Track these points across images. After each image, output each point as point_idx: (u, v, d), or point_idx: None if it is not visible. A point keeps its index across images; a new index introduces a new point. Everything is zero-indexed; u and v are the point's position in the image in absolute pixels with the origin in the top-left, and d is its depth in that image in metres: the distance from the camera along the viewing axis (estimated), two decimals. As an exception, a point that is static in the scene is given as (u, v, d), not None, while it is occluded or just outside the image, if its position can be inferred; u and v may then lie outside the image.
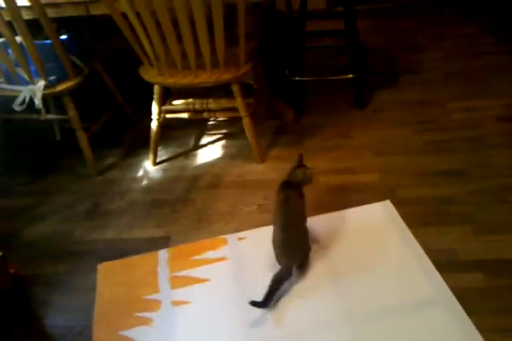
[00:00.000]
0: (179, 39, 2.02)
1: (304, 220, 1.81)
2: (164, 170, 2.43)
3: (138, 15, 1.98)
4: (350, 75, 2.61)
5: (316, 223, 1.91)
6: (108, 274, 1.89)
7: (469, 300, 1.59)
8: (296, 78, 2.65)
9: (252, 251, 1.90)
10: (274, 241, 1.78)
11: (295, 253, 1.76)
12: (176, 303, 1.74)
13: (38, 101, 2.18)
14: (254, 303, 1.62)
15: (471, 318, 1.54)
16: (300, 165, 1.83)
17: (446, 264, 1.73)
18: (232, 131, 2.65)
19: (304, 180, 1.81)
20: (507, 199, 1.97)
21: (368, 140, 2.42)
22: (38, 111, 2.28)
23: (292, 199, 1.77)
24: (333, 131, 2.53)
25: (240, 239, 1.97)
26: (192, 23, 1.96)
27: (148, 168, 2.45)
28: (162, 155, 2.52)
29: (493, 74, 2.76)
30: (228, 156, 2.47)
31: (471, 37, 3.17)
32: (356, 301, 1.65)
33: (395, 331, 1.54)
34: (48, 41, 2.14)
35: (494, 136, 2.32)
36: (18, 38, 2.06)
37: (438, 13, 3.55)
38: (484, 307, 1.58)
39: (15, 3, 1.94)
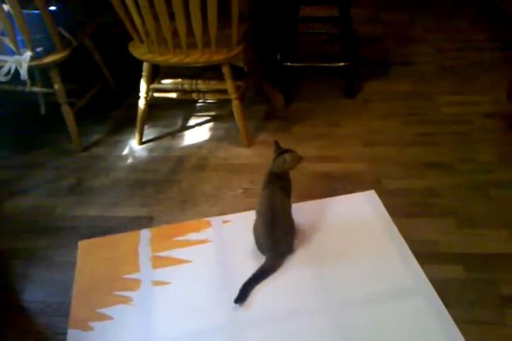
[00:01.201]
0: (171, 17, 1.98)
1: (289, 213, 1.78)
2: (150, 149, 2.41)
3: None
4: (342, 63, 2.60)
5: (299, 210, 1.91)
6: (89, 251, 1.87)
7: (448, 292, 1.62)
8: (288, 64, 2.63)
9: (235, 234, 1.90)
10: (255, 230, 1.78)
11: (280, 246, 1.76)
12: (156, 283, 1.73)
13: (23, 73, 2.13)
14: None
15: (448, 310, 1.56)
16: (281, 151, 1.77)
17: (426, 256, 1.75)
18: (220, 114, 2.62)
19: (287, 166, 1.77)
20: (490, 195, 1.99)
21: (357, 129, 2.42)
22: (23, 83, 2.23)
23: (277, 194, 1.73)
24: (322, 118, 2.52)
25: (225, 222, 1.96)
26: (185, 1, 1.93)
27: (134, 147, 2.42)
28: (148, 134, 2.49)
29: (484, 70, 2.77)
30: (215, 139, 2.45)
31: (464, 31, 3.18)
32: (335, 289, 1.66)
33: (371, 319, 1.56)
34: (37, 11, 2.07)
35: (481, 132, 2.34)
36: (6, 7, 2.00)
37: (433, 6, 3.55)
38: (462, 299, 1.60)
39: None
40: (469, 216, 1.90)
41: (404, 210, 1.95)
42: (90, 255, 1.85)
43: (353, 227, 1.90)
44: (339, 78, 2.71)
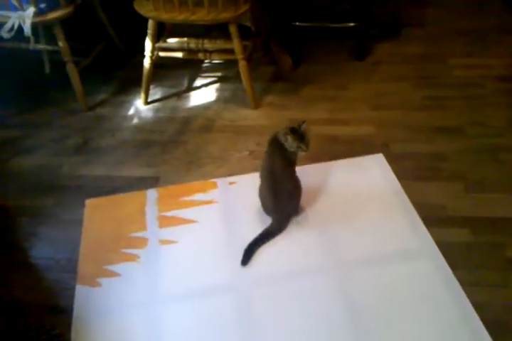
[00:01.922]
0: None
1: (292, 176, 1.72)
2: (156, 109, 2.38)
3: None
4: (352, 24, 2.53)
5: (306, 172, 1.89)
6: (96, 210, 1.87)
7: (454, 255, 1.62)
8: (296, 23, 2.56)
9: (241, 195, 1.89)
10: (260, 192, 1.77)
11: (286, 208, 1.75)
12: (163, 242, 1.74)
13: (27, 29, 2.08)
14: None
15: (454, 272, 1.57)
16: (298, 135, 1.62)
17: (434, 219, 1.74)
18: (227, 74, 2.58)
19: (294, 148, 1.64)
20: (500, 159, 1.97)
21: (366, 92, 2.38)
22: (27, 40, 2.19)
23: (276, 159, 1.65)
24: (330, 81, 2.48)
25: (231, 183, 1.96)
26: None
27: (140, 107, 2.39)
28: (154, 94, 2.46)
29: (497, 34, 2.69)
30: (222, 100, 2.42)
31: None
32: (341, 250, 1.67)
33: (377, 280, 1.57)
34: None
35: (492, 96, 2.29)
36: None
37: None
38: (468, 262, 1.61)
39: None
40: (478, 180, 1.89)
41: (412, 174, 1.93)
42: (97, 214, 1.86)
43: (360, 190, 1.89)
44: (349, 40, 2.65)
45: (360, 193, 1.88)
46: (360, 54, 2.59)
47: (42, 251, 1.75)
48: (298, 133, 1.62)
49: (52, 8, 2.12)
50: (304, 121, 1.64)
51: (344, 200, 1.85)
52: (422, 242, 1.67)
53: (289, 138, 1.61)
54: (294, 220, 1.78)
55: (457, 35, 2.71)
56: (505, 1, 2.97)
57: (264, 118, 2.29)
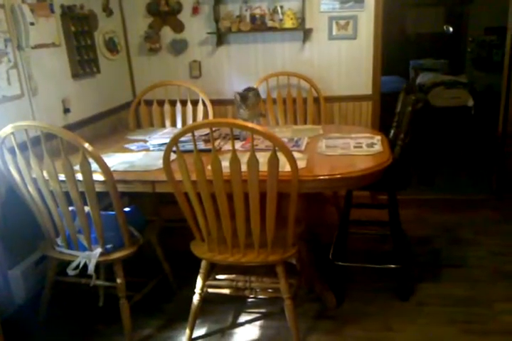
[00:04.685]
0: (232, 218, 2.15)
1: None
2: (199, 348, 2.38)
3: (198, 194, 2.15)
4: (393, 266, 2.64)
5: None
6: None
7: None
8: (339, 263, 2.69)
9: None
10: None
11: None
12: None
13: (91, 267, 2.27)
14: None
15: None
16: None
17: None
18: (271, 311, 2.61)
19: None
20: None
21: (413, 336, 2.34)
22: (88, 276, 2.35)
23: None
24: (374, 320, 2.47)
25: None
26: (246, 204, 2.10)
27: (184, 345, 2.40)
28: (199, 329, 2.48)
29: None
30: (265, 338, 2.40)
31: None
32: None
33: None
34: (112, 213, 2.29)
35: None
36: (87, 208, 2.24)
37: (482, 209, 3.68)
38: None
39: (91, 177, 2.16)
40: None
41: None
42: None
43: None
44: (391, 279, 2.72)
45: None
46: (403, 294, 2.63)
47: None
48: None
49: (117, 248, 2.34)
50: None
51: None
52: None
53: None
54: None
55: (500, 276, 2.76)
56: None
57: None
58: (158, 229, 2.64)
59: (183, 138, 2.19)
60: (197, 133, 2.30)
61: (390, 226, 2.73)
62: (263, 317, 2.58)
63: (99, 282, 2.46)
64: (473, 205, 3.75)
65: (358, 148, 2.55)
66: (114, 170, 2.31)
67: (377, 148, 2.54)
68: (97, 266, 2.38)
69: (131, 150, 2.78)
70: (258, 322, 2.53)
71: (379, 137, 2.75)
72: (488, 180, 4.06)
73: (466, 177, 4.39)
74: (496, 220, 3.49)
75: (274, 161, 2.00)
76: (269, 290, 2.40)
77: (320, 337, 2.38)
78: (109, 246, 2.32)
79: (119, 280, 2.34)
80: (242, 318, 2.58)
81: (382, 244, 3.11)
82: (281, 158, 2.00)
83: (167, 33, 3.82)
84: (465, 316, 2.45)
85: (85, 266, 2.30)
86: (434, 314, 2.48)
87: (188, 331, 2.41)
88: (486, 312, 2.47)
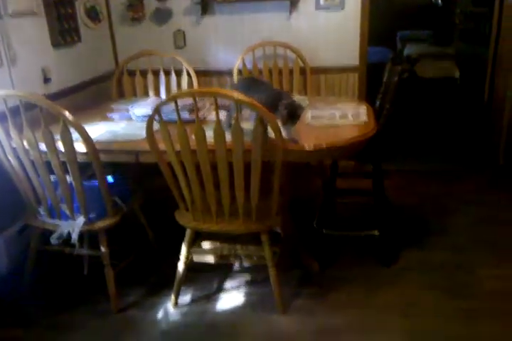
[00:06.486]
0: (216, 187, 2.16)
1: None
2: (184, 313, 2.40)
3: (181, 164, 2.14)
4: (376, 232, 2.67)
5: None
6: None
7: None
8: (324, 231, 2.72)
9: None
10: None
11: None
12: None
13: (74, 236, 2.28)
14: None
15: None
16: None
17: None
18: (255, 278, 2.65)
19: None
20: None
21: (395, 300, 2.39)
22: (72, 245, 2.37)
23: None
24: (357, 286, 2.52)
25: None
26: (231, 172, 2.11)
27: (169, 310, 2.42)
28: (184, 296, 2.51)
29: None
30: (249, 304, 2.44)
31: (499, 204, 3.27)
32: None
33: None
34: (95, 183, 2.28)
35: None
36: (69, 178, 2.23)
37: (467, 179, 3.72)
38: None
39: (72, 147, 2.14)
40: None
41: None
42: None
43: None
44: (374, 246, 2.76)
45: None
46: (385, 260, 2.68)
47: None
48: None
49: (100, 217, 2.35)
50: None
51: None
52: None
53: None
54: None
55: (482, 244, 2.80)
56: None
57: (293, 325, 2.28)
58: (142, 199, 2.65)
59: (166, 108, 2.18)
60: (181, 102, 2.29)
61: (373, 195, 2.76)
62: (248, 284, 2.61)
63: (83, 251, 2.47)
64: (459, 176, 3.78)
65: (343, 119, 2.55)
66: (97, 141, 2.28)
67: (363, 118, 2.54)
68: (81, 235, 2.39)
69: (114, 120, 2.75)
70: (243, 289, 2.57)
71: (364, 107, 2.75)
72: (473, 150, 4.10)
73: (452, 148, 4.41)
74: (481, 190, 3.53)
75: (258, 129, 1.99)
76: (254, 258, 2.43)
77: (304, 302, 2.42)
78: (92, 215, 2.32)
79: (103, 250, 2.35)
80: (227, 285, 2.61)
81: (366, 213, 3.15)
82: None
83: (151, 2, 3.75)
84: (447, 281, 2.49)
85: (70, 235, 2.30)
86: (416, 279, 2.53)
87: (173, 297, 2.44)
88: (469, 278, 2.51)
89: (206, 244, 2.53)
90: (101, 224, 2.33)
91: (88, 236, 2.61)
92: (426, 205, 3.33)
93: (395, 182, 3.50)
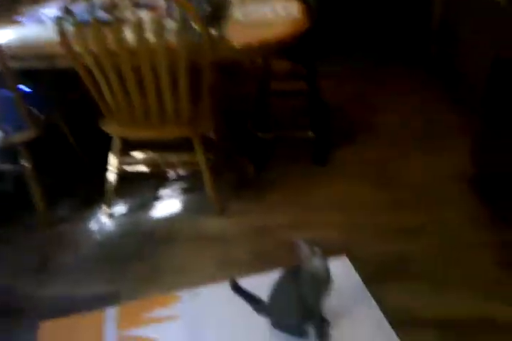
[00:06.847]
0: (142, 92, 2.05)
1: None
2: (119, 223, 2.37)
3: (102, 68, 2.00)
4: (310, 133, 2.66)
5: (263, 281, 1.84)
6: (51, 333, 1.77)
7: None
8: (259, 134, 2.69)
9: (208, 308, 1.82)
10: None
11: None
12: (122, 365, 1.63)
13: (-8, 151, 2.15)
14: None
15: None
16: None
17: (401, 322, 1.68)
18: (191, 184, 2.61)
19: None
20: (462, 257, 1.98)
21: (328, 196, 2.44)
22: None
23: None
24: (293, 186, 2.54)
25: (196, 295, 1.89)
26: (156, 77, 1.99)
27: (103, 221, 2.39)
28: (117, 207, 2.47)
29: (449, 137, 2.83)
30: (187, 210, 2.44)
31: (426, 100, 3.31)
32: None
33: None
34: (6, 92, 2.11)
35: (449, 195, 2.37)
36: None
37: (400, 78, 3.70)
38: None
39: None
40: (442, 279, 1.88)
41: (377, 276, 1.91)
42: (52, 337, 1.76)
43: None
44: (309, 148, 2.77)
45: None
46: (321, 160, 2.70)
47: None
48: None
49: (18, 130, 2.20)
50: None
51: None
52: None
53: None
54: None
55: (409, 139, 2.85)
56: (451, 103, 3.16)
57: (230, 226, 2.30)
58: (64, 110, 2.49)
59: (80, 8, 1.99)
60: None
61: (307, 96, 2.71)
62: (184, 191, 2.58)
63: (6, 166, 2.35)
64: (392, 75, 3.75)
65: (274, 15, 2.41)
66: (6, 46, 2.07)
67: (294, 14, 2.41)
68: (1, 149, 2.25)
69: (24, 24, 2.50)
70: (179, 197, 2.54)
71: (297, 3, 2.61)
72: (407, 50, 4.03)
73: (388, 47, 4.32)
74: (411, 90, 3.54)
75: (181, 24, 1.85)
76: (188, 165, 2.39)
77: (241, 205, 2.43)
78: (8, 127, 2.17)
79: (26, 164, 2.23)
80: (163, 193, 2.57)
81: (302, 115, 3.12)
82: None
83: None
84: (377, 175, 2.55)
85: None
86: (350, 176, 2.57)
87: (106, 209, 2.39)
88: (397, 170, 2.58)
89: (138, 154, 2.45)
90: (19, 136, 2.19)
91: (13, 152, 2.48)
92: (357, 104, 3.31)
93: (329, 83, 3.45)
